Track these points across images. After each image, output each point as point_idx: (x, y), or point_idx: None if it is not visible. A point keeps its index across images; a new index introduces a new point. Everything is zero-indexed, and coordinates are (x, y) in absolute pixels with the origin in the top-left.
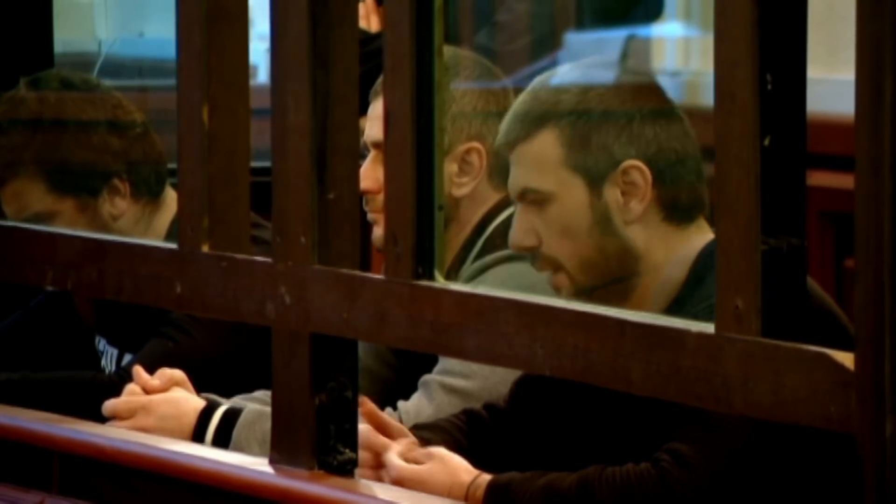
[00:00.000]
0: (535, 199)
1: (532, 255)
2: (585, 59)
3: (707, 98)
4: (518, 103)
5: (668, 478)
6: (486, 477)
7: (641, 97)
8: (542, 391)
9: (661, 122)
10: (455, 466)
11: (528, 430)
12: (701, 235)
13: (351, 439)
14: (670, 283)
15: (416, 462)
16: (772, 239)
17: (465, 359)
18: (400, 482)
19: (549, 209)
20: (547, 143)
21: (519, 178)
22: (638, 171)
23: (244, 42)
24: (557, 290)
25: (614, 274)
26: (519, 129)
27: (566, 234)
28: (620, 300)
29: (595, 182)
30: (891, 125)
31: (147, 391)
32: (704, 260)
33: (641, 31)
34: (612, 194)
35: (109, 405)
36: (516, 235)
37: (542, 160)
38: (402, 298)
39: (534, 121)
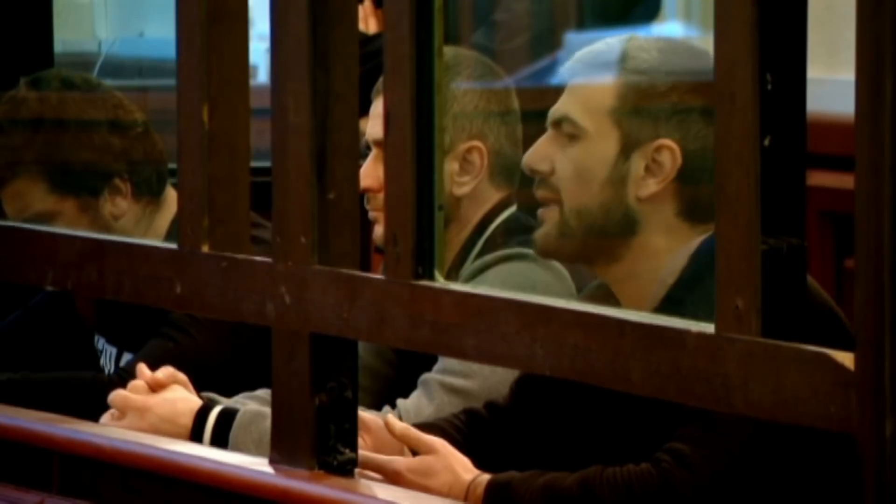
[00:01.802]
0: (568, 132)
1: (538, 179)
2: (686, 39)
3: None
4: (604, 42)
5: (669, 478)
6: (486, 476)
7: (711, 97)
8: (542, 390)
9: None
10: (456, 463)
11: (529, 429)
12: (704, 235)
13: (351, 439)
14: (662, 277)
15: (418, 451)
16: (772, 239)
17: (465, 359)
18: (399, 476)
19: (575, 145)
20: (606, 88)
21: (565, 104)
22: (670, 152)
23: (244, 42)
24: (542, 223)
25: (604, 237)
26: (591, 69)
27: (579, 175)
28: (604, 265)
29: (628, 144)
30: (891, 125)
31: (151, 387)
32: (698, 261)
33: (641, 30)
34: (636, 163)
35: (113, 395)
36: (532, 156)
37: (592, 99)
38: (402, 298)
39: (607, 64)
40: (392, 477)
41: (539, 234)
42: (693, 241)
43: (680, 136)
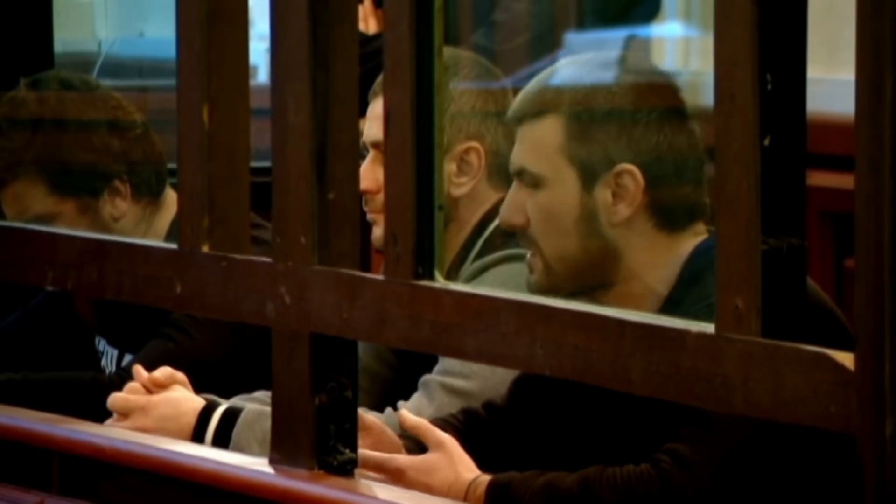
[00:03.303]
0: (530, 181)
1: (518, 233)
2: (607, 52)
3: (707, 98)
4: (535, 80)
5: (669, 479)
6: (487, 477)
7: (654, 98)
8: (540, 390)
9: (668, 127)
10: (460, 462)
11: (527, 429)
12: (693, 239)
13: (351, 439)
14: (655, 289)
15: (427, 445)
16: (772, 239)
17: (465, 359)
18: (402, 473)
19: (540, 193)
20: (551, 128)
21: (518, 155)
22: (631, 176)
23: (244, 42)
24: (531, 272)
25: (591, 272)
26: (529, 106)
27: (551, 221)
28: (594, 299)
29: (588, 178)
30: (891, 125)
31: (148, 388)
32: (692, 265)
33: (641, 30)
34: (602, 194)
35: (111, 399)
36: (506, 212)
37: (542, 143)
38: (402, 298)
39: (545, 102)
40: (394, 474)
41: (531, 282)
42: (679, 248)
43: (634, 154)
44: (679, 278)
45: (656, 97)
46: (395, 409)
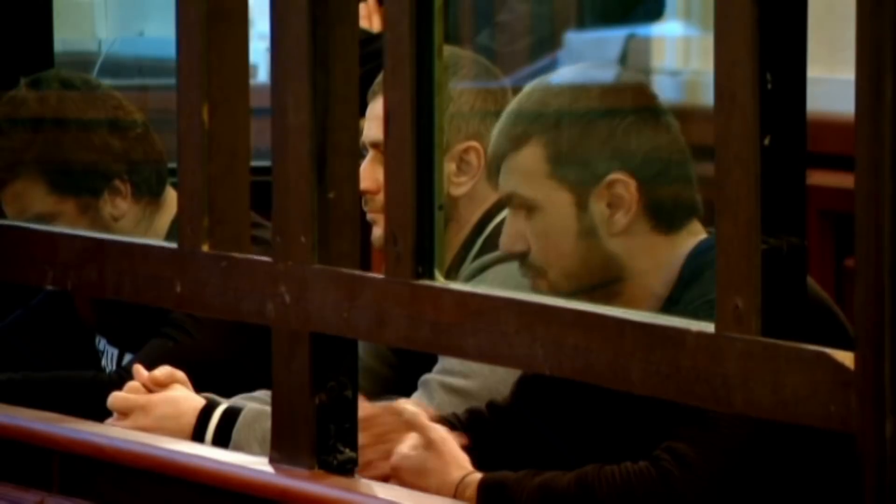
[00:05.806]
0: (523, 205)
1: (520, 259)
2: (570, 66)
3: (707, 98)
4: (505, 115)
5: (669, 477)
6: (476, 475)
7: (624, 101)
8: (544, 389)
9: (647, 129)
10: (449, 461)
11: (530, 429)
12: (690, 239)
13: (351, 439)
14: (656, 291)
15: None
16: (772, 239)
17: (465, 359)
18: (394, 472)
19: (535, 216)
20: (532, 157)
21: (507, 183)
22: (623, 184)
23: (244, 42)
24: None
25: (596, 283)
26: (505, 143)
27: (551, 242)
28: (594, 300)
29: (581, 194)
30: (891, 125)
31: (148, 387)
32: (690, 265)
33: (641, 30)
34: (597, 206)
35: (111, 398)
36: (506, 240)
37: (528, 171)
38: (402, 298)
39: (519, 135)
40: (390, 472)
41: None
42: (678, 248)
43: (621, 162)
44: (678, 278)
45: (626, 100)
46: None
